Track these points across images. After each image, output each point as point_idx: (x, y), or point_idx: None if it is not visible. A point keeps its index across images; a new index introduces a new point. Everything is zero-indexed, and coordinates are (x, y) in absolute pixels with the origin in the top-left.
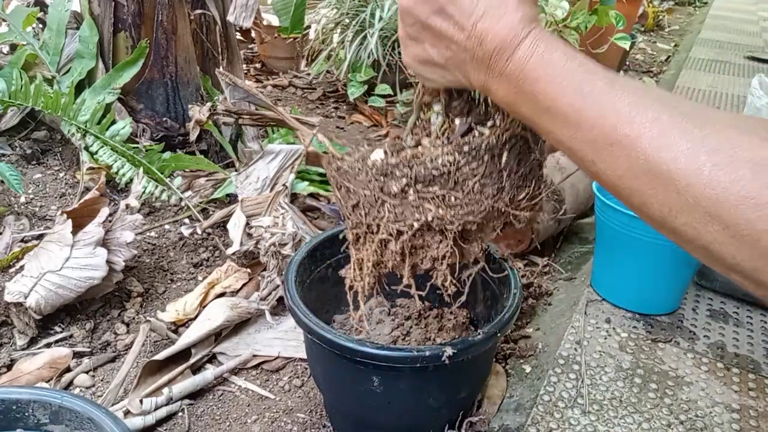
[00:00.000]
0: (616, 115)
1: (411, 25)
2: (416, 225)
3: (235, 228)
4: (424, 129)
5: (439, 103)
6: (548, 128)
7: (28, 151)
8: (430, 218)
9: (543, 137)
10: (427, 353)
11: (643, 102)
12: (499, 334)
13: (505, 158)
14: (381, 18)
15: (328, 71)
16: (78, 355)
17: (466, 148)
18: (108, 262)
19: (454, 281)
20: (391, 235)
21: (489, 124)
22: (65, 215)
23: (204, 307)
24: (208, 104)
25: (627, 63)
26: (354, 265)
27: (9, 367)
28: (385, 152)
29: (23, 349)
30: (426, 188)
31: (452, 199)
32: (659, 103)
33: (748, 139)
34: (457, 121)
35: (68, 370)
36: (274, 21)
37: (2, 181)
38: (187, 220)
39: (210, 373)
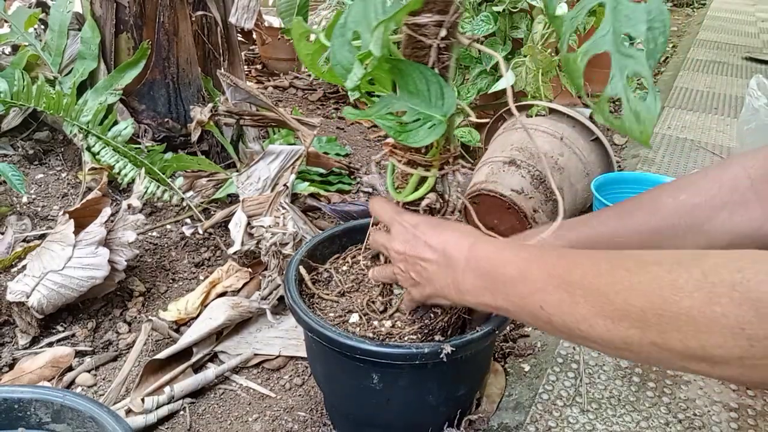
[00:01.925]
0: (551, 266)
1: (400, 262)
2: None
3: (237, 228)
4: (388, 294)
5: None
6: (509, 296)
7: (30, 152)
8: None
9: (517, 315)
10: (426, 350)
11: (568, 253)
12: (497, 332)
13: (449, 333)
14: None
15: None
16: (80, 354)
17: (426, 331)
18: (110, 261)
19: None
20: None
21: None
22: (67, 215)
23: (205, 306)
24: (210, 105)
25: None
26: None
27: (11, 367)
28: (360, 318)
29: (25, 349)
30: None
31: None
32: (575, 250)
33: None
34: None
35: (70, 369)
36: (275, 23)
37: (5, 182)
38: (188, 220)
39: (211, 371)
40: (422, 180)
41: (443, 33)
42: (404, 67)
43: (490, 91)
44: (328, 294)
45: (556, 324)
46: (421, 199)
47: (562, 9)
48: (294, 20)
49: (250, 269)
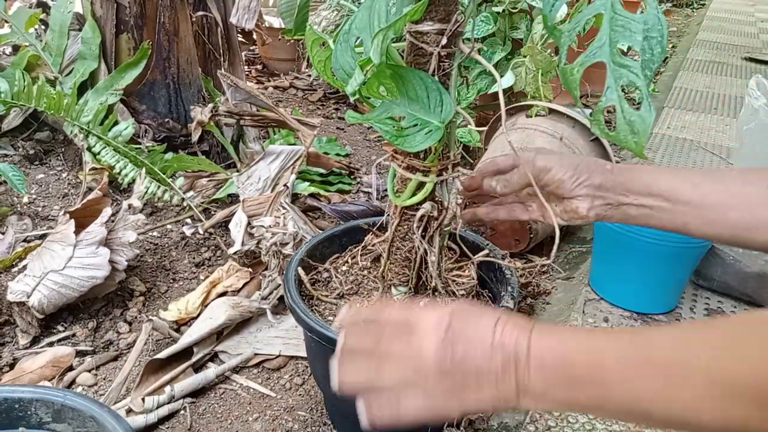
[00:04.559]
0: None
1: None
2: None
3: (237, 228)
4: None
5: (406, 286)
6: (591, 397)
7: (31, 152)
8: None
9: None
10: None
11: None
12: None
13: None
14: None
15: None
16: (80, 354)
17: None
18: (110, 261)
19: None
20: None
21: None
22: (68, 215)
23: (206, 306)
24: (210, 105)
25: None
26: None
27: (12, 366)
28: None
29: (26, 348)
30: None
31: None
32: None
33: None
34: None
35: (71, 368)
36: (276, 23)
37: (5, 182)
38: (189, 220)
39: (212, 371)
40: (421, 185)
41: (444, 41)
42: (405, 73)
43: (489, 91)
44: (327, 296)
45: (657, 416)
46: (420, 204)
47: (561, 11)
48: (307, 28)
49: (250, 269)
